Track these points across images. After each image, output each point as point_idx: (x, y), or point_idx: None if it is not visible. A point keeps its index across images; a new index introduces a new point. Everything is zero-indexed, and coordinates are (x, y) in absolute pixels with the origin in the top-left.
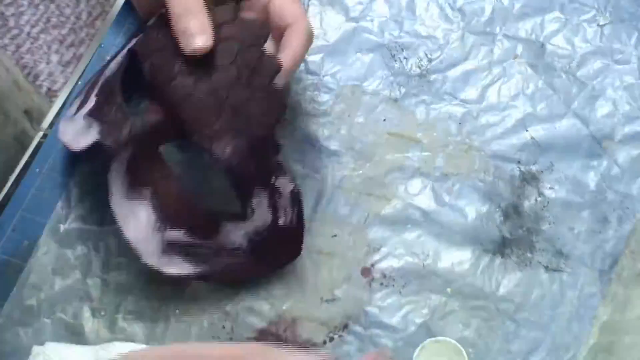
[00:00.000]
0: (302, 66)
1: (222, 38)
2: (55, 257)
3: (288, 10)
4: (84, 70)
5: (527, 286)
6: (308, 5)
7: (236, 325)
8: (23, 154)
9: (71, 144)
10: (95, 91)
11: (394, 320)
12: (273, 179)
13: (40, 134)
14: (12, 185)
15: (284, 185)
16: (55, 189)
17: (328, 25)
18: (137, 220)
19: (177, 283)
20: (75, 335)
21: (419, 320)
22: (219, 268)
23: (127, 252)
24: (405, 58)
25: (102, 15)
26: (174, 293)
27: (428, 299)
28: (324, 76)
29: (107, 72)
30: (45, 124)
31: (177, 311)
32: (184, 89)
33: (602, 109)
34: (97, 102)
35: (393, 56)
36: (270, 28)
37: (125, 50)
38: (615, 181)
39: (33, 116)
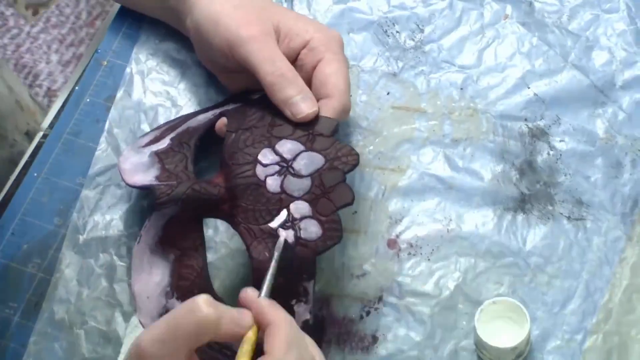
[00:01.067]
0: None
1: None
2: (79, 268)
3: (332, 82)
4: (84, 70)
5: (552, 238)
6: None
7: None
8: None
9: (126, 176)
10: (172, 134)
11: (427, 287)
12: (293, 301)
13: (40, 134)
14: (11, 189)
15: (301, 312)
16: (53, 193)
17: (316, 10)
18: (150, 277)
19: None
20: (111, 341)
21: (452, 284)
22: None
23: None
24: (397, 32)
25: (102, 15)
26: None
27: (457, 262)
28: None
29: (192, 122)
30: (46, 123)
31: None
32: (254, 178)
33: (599, 58)
34: (169, 146)
35: (385, 32)
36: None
37: (218, 111)
38: (623, 126)
39: (34, 138)
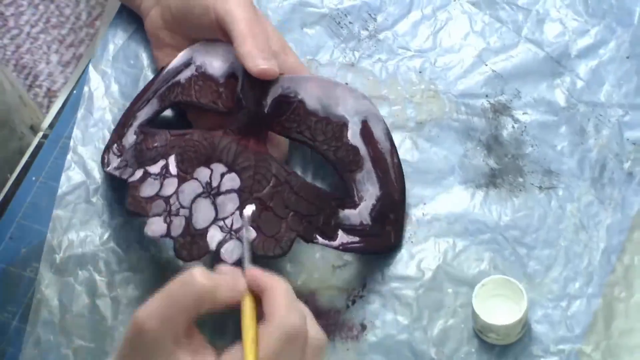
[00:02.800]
0: None
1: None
2: (59, 288)
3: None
4: (84, 71)
5: (527, 209)
6: None
7: None
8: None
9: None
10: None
11: (410, 270)
12: None
13: (40, 134)
14: (9, 193)
15: None
16: (52, 197)
17: (267, 7)
18: None
19: None
20: (100, 358)
21: (433, 266)
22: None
23: (130, 265)
24: (350, 23)
25: (102, 15)
26: None
27: (436, 244)
28: None
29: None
30: (45, 124)
31: None
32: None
33: (552, 30)
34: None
35: (338, 23)
36: None
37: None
38: (582, 93)
39: (39, 132)
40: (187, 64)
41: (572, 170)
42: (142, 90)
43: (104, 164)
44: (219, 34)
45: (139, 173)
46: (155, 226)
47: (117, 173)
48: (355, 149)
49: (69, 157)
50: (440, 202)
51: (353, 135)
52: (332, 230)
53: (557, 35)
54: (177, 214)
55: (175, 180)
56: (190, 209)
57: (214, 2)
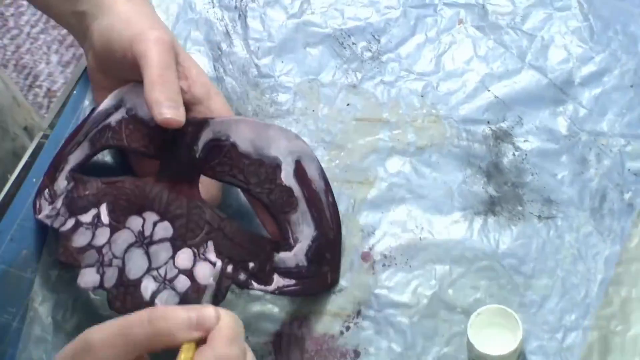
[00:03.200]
0: (255, 71)
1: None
2: (53, 305)
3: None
4: (83, 71)
5: (525, 238)
6: (246, 9)
7: (250, 333)
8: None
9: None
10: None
11: (405, 297)
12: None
13: (40, 134)
14: (9, 195)
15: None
16: None
17: (270, 26)
18: None
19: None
20: None
21: (428, 292)
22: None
23: None
24: (354, 44)
25: None
26: None
27: (433, 270)
28: (278, 76)
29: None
30: (45, 124)
31: None
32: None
33: (556, 56)
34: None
35: (341, 44)
36: None
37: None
38: (585, 122)
39: (33, 133)
40: (117, 107)
41: (572, 200)
42: (73, 132)
43: (35, 210)
44: (128, 75)
45: (70, 222)
46: (87, 277)
47: (48, 222)
48: (289, 190)
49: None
50: (438, 227)
51: (287, 176)
52: (268, 274)
53: (561, 61)
54: (109, 265)
55: (107, 230)
56: (123, 259)
57: (130, 44)
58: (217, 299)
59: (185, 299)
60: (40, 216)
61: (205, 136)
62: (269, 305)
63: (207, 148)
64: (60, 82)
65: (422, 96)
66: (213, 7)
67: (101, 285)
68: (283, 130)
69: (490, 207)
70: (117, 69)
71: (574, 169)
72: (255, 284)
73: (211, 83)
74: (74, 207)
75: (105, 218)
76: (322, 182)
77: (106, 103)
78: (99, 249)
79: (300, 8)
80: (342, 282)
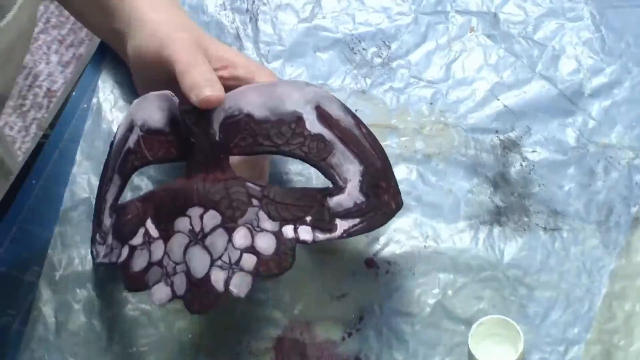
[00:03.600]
0: None
1: None
2: (57, 305)
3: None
4: (83, 71)
5: (530, 250)
6: (258, 12)
7: (252, 338)
8: None
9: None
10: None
11: (408, 305)
12: None
13: (40, 133)
14: (10, 196)
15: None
16: (52, 200)
17: (281, 30)
18: None
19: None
20: None
21: (432, 301)
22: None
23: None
24: (364, 49)
25: None
26: (185, 318)
27: (436, 278)
28: None
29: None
30: (45, 124)
31: (190, 336)
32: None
33: (566, 67)
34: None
35: (352, 49)
36: None
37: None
38: (594, 134)
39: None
40: (130, 129)
41: (579, 212)
42: (103, 171)
43: (93, 257)
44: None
45: (125, 251)
46: (159, 294)
47: (106, 260)
48: (319, 136)
49: (73, 170)
50: (443, 236)
51: (311, 124)
52: (330, 222)
53: (571, 72)
54: (175, 273)
55: (160, 242)
56: (185, 262)
57: (157, 54)
58: (290, 263)
59: (257, 274)
60: (99, 260)
61: (218, 117)
62: (271, 310)
63: (224, 128)
64: (60, 82)
65: (431, 103)
66: (225, 10)
67: (174, 295)
68: (290, 82)
69: (496, 217)
70: (157, 84)
71: (582, 181)
72: (320, 235)
73: (250, 60)
74: (122, 235)
75: (154, 232)
76: (349, 117)
77: (119, 131)
78: (160, 263)
79: (311, 12)
80: (345, 288)
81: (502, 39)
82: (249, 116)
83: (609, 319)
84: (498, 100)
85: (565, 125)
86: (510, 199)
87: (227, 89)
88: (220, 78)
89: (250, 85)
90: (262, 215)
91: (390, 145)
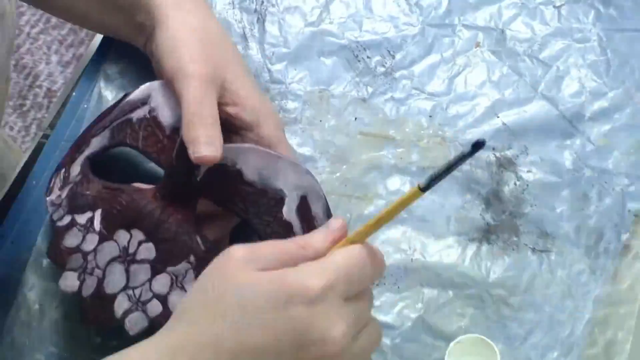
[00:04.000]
0: (267, 76)
1: None
2: (42, 292)
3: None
4: (83, 71)
5: (516, 270)
6: (266, 13)
7: None
8: None
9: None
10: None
11: (390, 317)
12: None
13: (40, 133)
14: (10, 197)
15: None
16: None
17: (288, 32)
18: None
19: None
20: None
21: (414, 315)
22: None
23: None
24: (368, 57)
25: None
26: None
27: (421, 293)
28: (289, 83)
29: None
30: (45, 124)
31: None
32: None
33: (569, 88)
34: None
35: (356, 56)
36: None
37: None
38: (591, 158)
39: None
40: (143, 102)
41: (568, 235)
42: (102, 113)
43: (48, 187)
44: None
45: (67, 219)
46: (68, 281)
47: (51, 210)
48: (288, 225)
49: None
50: (431, 250)
51: (289, 211)
52: None
53: (573, 94)
54: (91, 273)
55: (96, 237)
56: (104, 270)
57: (172, 77)
58: None
59: (153, 324)
60: (48, 198)
61: None
62: None
63: (210, 172)
64: (60, 82)
65: (430, 116)
66: (233, 9)
67: (79, 292)
68: (294, 163)
69: (486, 234)
70: None
71: (574, 205)
72: None
73: (264, 103)
74: (73, 203)
75: (97, 224)
76: (325, 219)
77: (136, 94)
78: (85, 255)
79: (319, 17)
80: None
81: (507, 56)
82: (239, 173)
83: (590, 345)
84: (497, 117)
85: (562, 147)
86: (501, 217)
87: (231, 124)
88: (227, 114)
89: (257, 147)
90: (191, 274)
91: (385, 155)
